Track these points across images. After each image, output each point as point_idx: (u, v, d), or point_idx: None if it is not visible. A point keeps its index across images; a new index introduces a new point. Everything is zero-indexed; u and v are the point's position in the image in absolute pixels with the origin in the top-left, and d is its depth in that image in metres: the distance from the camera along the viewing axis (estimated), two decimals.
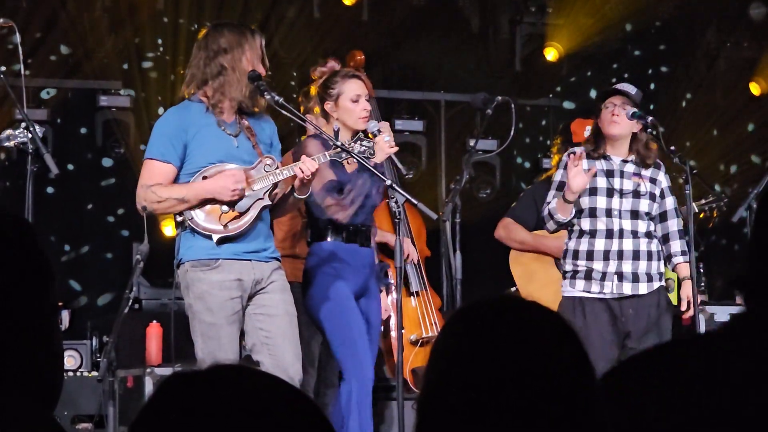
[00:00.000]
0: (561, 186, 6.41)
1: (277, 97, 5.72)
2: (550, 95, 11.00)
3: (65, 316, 8.64)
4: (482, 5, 10.74)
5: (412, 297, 7.53)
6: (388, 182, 5.80)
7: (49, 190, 9.64)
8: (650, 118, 6.45)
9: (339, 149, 5.74)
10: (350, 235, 6.16)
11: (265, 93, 5.70)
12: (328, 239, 6.15)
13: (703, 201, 7.45)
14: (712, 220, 7.75)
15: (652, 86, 11.11)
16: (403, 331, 6.08)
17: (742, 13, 10.76)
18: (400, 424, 5.75)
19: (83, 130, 10.09)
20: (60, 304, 1.84)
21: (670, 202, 6.48)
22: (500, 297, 1.93)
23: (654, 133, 6.43)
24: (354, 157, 5.74)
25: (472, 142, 8.38)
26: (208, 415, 1.37)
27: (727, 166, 11.16)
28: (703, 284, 8.34)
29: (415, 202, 5.76)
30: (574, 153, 6.42)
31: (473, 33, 10.78)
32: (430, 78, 10.70)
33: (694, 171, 6.65)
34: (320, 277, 6.12)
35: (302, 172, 5.61)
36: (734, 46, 11.01)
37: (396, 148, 6.06)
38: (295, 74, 10.05)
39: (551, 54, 10.73)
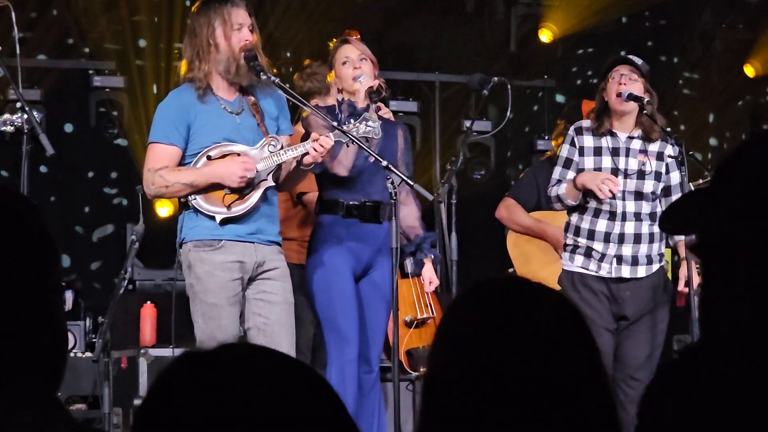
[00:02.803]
0: (568, 163, 6.31)
1: (273, 77, 5.71)
2: (545, 76, 10.98)
3: (69, 296, 8.63)
4: None
5: (407, 278, 7.51)
6: (384, 163, 5.75)
7: (43, 169, 9.62)
8: (645, 99, 6.38)
9: (350, 126, 5.72)
10: (351, 209, 6.08)
11: (261, 73, 5.69)
12: (330, 213, 6.11)
13: (700, 181, 7.42)
14: None
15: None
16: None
17: None
18: (396, 405, 5.74)
19: (77, 111, 10.06)
20: (63, 284, 1.84)
21: (675, 176, 6.34)
22: (504, 278, 1.93)
23: (647, 113, 6.34)
24: (352, 138, 5.70)
25: (467, 123, 8.36)
26: (219, 394, 1.36)
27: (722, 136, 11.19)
28: (698, 266, 8.31)
29: (411, 183, 5.74)
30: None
31: (468, 13, 10.76)
32: (424, 59, 10.68)
33: (690, 152, 6.60)
34: (318, 251, 6.09)
35: (315, 151, 5.60)
36: (730, 27, 11.01)
37: (377, 82, 6.11)
38: (289, 55, 10.03)
39: (545, 36, 10.71)
